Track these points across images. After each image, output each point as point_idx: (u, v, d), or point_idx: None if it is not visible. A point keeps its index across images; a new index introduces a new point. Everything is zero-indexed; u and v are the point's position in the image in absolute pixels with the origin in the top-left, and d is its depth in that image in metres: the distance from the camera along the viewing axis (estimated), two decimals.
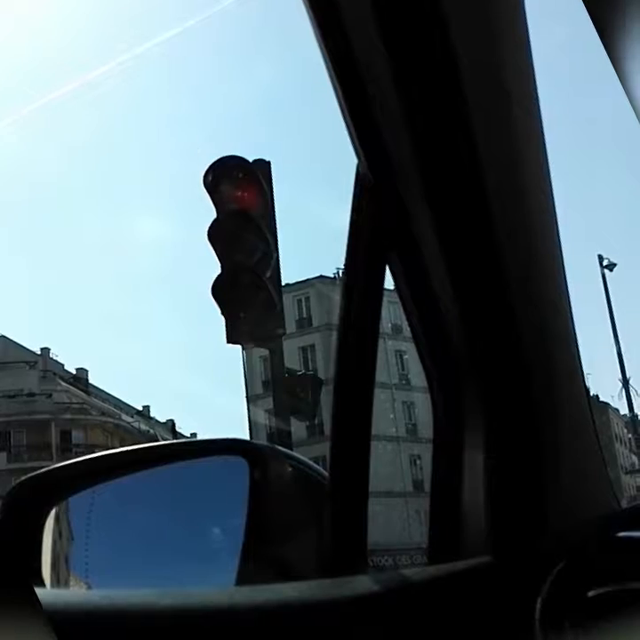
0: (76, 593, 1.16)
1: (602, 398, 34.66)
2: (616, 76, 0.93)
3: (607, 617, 0.93)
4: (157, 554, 1.30)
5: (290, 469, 1.31)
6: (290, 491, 1.29)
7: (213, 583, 1.22)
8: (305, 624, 0.83)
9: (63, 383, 41.40)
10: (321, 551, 1.14)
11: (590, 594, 0.94)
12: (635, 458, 34.38)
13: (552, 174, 1.04)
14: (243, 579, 1.15)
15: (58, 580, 1.27)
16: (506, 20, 0.92)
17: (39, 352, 41.71)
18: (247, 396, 12.55)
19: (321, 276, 35.56)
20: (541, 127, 1.01)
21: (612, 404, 35.63)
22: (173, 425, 43.51)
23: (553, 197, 1.06)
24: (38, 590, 0.55)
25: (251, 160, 7.73)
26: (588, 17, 0.86)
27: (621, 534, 1.04)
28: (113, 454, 1.41)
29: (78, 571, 1.30)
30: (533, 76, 0.97)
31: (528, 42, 0.95)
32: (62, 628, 0.57)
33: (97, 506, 1.29)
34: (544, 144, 1.02)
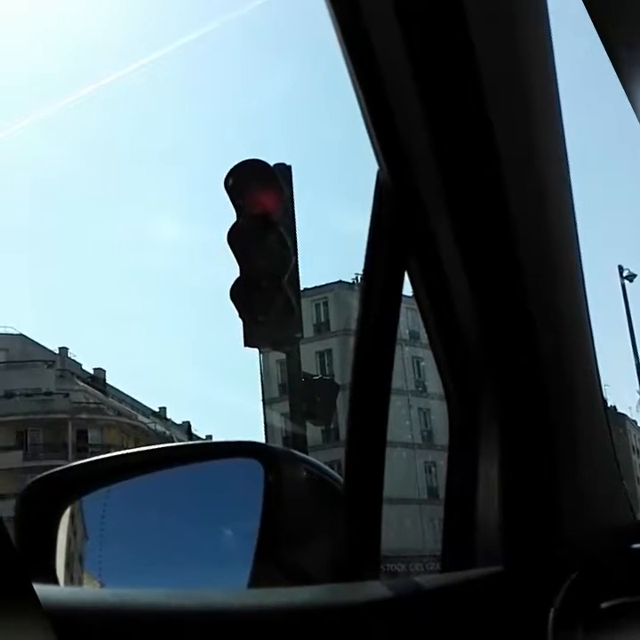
0: (87, 591, 1.17)
1: (619, 410, 34.51)
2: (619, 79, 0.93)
3: (620, 629, 0.92)
4: (170, 554, 1.30)
5: (304, 473, 1.30)
6: (304, 495, 1.28)
7: (225, 585, 1.22)
8: (316, 628, 0.83)
9: (80, 383, 41.59)
10: (334, 556, 1.14)
11: (604, 605, 0.93)
12: None
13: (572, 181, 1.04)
14: (255, 581, 1.14)
15: (71, 579, 1.27)
16: (527, 21, 0.92)
17: (57, 351, 41.94)
18: (263, 400, 12.61)
19: (340, 281, 35.65)
20: (563, 133, 1.01)
21: (629, 415, 35.47)
22: (189, 427, 43.62)
23: (573, 204, 1.05)
24: (50, 587, 0.55)
25: (272, 164, 7.74)
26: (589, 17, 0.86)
27: (636, 546, 1.03)
28: (128, 454, 1.41)
29: (92, 569, 1.31)
30: (556, 80, 0.97)
31: (550, 44, 0.94)
32: (72, 625, 0.57)
33: (111, 505, 1.29)
34: (565, 150, 1.02)
